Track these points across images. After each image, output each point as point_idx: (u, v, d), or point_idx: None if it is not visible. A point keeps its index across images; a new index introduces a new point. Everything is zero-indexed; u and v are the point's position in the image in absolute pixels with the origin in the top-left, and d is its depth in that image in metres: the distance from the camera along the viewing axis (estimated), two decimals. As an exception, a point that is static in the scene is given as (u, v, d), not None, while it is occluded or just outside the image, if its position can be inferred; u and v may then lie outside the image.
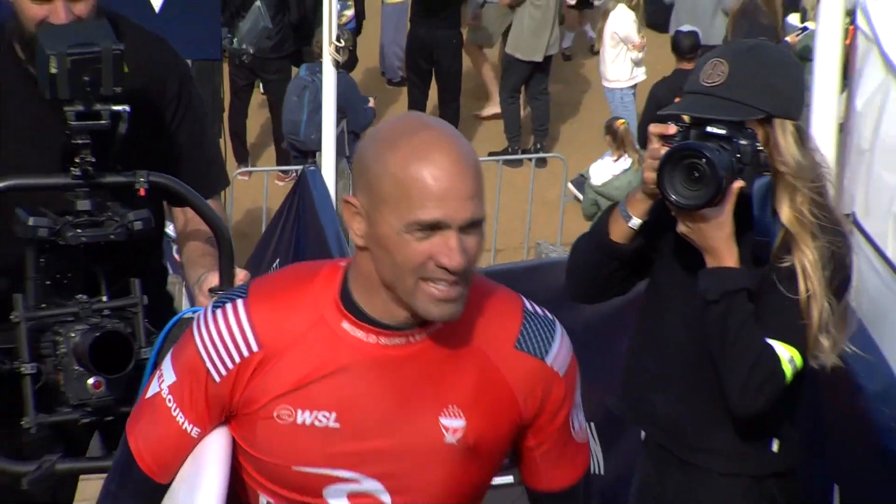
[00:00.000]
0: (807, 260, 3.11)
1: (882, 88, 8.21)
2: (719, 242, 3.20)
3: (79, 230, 3.45)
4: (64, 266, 3.63)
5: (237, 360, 2.12)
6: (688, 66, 14.60)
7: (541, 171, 16.65)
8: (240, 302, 2.15)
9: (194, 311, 3.33)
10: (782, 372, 3.02)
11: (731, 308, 3.11)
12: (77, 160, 3.41)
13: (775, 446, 3.58)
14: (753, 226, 3.31)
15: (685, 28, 16.49)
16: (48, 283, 3.61)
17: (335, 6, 10.51)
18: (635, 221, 3.47)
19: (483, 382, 2.18)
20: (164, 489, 2.35)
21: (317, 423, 2.13)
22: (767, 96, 3.29)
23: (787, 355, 3.06)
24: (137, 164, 3.57)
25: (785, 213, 3.24)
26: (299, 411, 2.12)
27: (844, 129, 8.61)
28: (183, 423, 2.22)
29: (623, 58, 17.11)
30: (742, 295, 3.09)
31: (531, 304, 2.30)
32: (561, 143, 18.52)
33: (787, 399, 3.37)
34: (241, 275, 3.74)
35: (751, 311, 3.14)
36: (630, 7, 17.40)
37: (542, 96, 18.23)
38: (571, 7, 20.74)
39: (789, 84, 3.41)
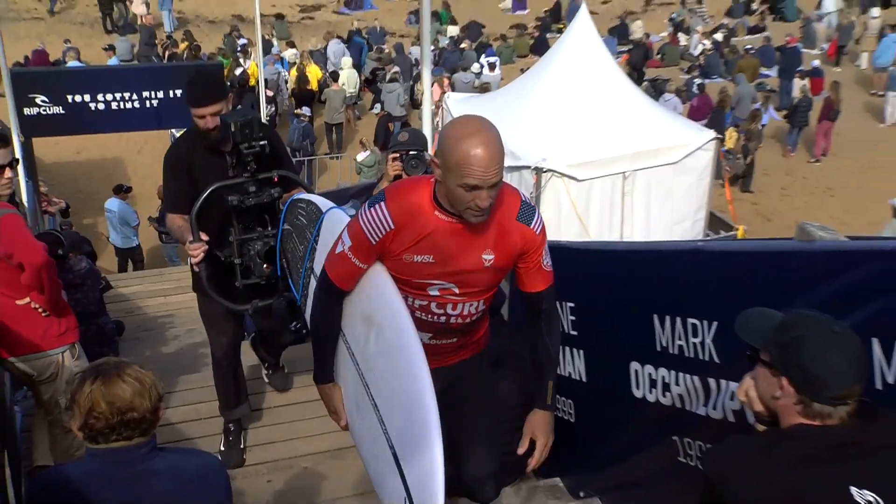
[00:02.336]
0: None
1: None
2: None
3: (250, 199, 4.26)
4: (248, 216, 4.39)
5: (383, 233, 2.83)
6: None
7: (342, 161, 19.25)
8: (382, 203, 2.82)
9: (297, 198, 4.23)
10: None
11: None
12: (248, 168, 4.25)
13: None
14: None
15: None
16: (242, 224, 4.39)
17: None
18: None
19: (501, 237, 2.89)
20: (347, 293, 3.09)
21: (424, 260, 2.88)
22: (428, 142, 4.51)
23: None
24: (271, 167, 4.37)
25: None
26: (415, 255, 2.87)
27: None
28: (358, 264, 2.94)
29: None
30: None
31: (524, 196, 2.96)
32: (347, 149, 20.12)
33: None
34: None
35: None
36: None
37: (339, 132, 20.60)
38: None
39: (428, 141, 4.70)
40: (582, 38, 13.20)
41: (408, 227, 2.82)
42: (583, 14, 13.59)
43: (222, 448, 5.06)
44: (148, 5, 26.34)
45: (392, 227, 2.82)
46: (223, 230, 4.36)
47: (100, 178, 16.34)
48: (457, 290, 3.00)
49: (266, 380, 5.83)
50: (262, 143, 4.20)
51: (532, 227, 2.92)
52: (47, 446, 4.57)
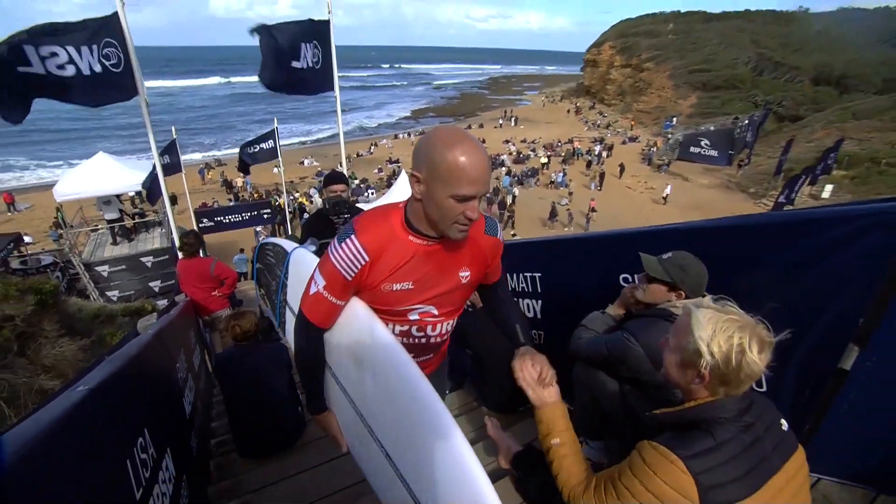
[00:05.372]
0: None
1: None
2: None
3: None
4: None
5: (358, 267, 1.16)
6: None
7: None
8: (353, 237, 1.14)
9: (265, 242, 2.17)
10: None
11: None
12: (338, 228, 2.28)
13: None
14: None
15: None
16: None
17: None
18: None
19: (474, 253, 1.24)
20: (326, 330, 1.26)
21: (403, 288, 1.20)
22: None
23: None
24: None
25: None
26: (394, 284, 1.19)
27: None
28: (335, 301, 1.20)
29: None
30: None
31: (486, 214, 1.25)
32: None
33: None
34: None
35: None
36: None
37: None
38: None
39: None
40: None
41: (383, 256, 1.18)
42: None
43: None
44: (240, 182, 23.65)
45: (367, 259, 1.17)
46: None
47: (230, 247, 14.38)
48: (436, 312, 1.28)
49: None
50: (346, 215, 2.52)
51: (498, 236, 1.29)
52: (217, 344, 4.04)
